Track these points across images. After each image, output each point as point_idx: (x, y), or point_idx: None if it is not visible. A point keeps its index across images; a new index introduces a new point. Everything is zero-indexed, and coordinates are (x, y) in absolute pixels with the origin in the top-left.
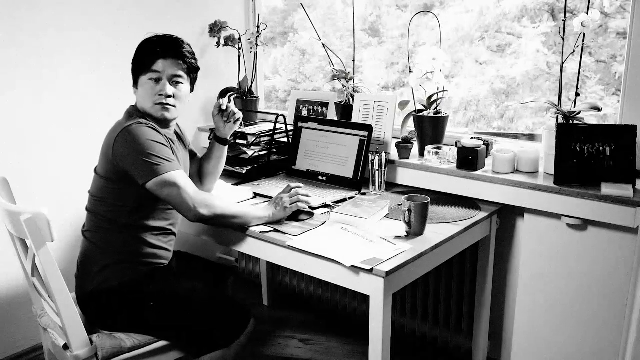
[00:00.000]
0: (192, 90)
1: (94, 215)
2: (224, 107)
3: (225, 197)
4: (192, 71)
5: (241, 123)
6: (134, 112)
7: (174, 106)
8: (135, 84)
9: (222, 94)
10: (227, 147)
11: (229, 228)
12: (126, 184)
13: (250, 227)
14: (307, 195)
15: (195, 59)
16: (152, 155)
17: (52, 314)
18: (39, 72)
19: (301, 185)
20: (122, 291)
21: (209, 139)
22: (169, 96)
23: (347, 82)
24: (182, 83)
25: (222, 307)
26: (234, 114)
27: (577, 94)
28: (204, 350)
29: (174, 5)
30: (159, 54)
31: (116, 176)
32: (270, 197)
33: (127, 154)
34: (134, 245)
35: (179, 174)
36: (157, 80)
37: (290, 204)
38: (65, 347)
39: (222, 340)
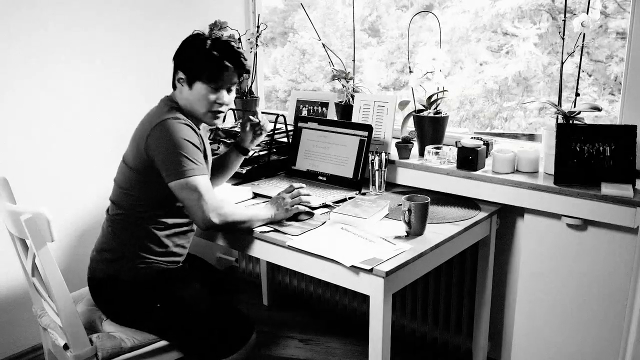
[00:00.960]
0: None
1: (117, 206)
2: (257, 121)
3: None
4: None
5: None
6: (172, 105)
7: (224, 112)
8: (189, 84)
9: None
10: (244, 156)
11: (236, 233)
12: (153, 177)
13: (254, 229)
14: (308, 195)
15: (249, 64)
16: (183, 155)
17: (52, 313)
18: (39, 71)
19: (303, 185)
20: (132, 286)
21: (227, 146)
22: (225, 104)
23: (347, 82)
24: (233, 89)
25: (227, 317)
26: (264, 129)
27: (577, 94)
28: (205, 358)
29: (174, 5)
30: (227, 68)
31: (144, 167)
32: (270, 197)
33: (160, 148)
34: (151, 241)
35: (202, 180)
36: (217, 89)
37: (291, 206)
38: (66, 347)
39: (223, 350)
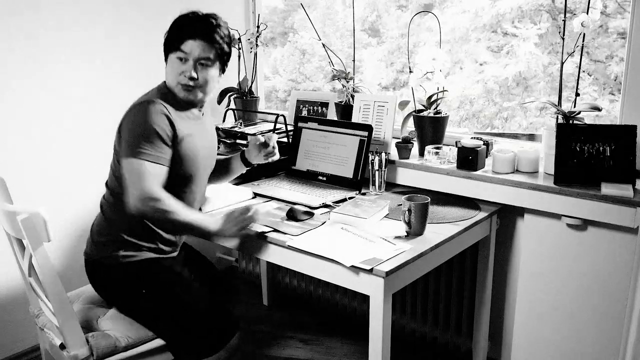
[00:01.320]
0: (223, 72)
1: (109, 190)
2: (270, 143)
3: (228, 197)
4: (223, 55)
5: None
6: (162, 90)
7: (198, 89)
8: (165, 60)
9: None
10: (247, 168)
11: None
12: None
13: (193, 234)
14: (266, 218)
15: (228, 43)
16: (144, 138)
17: (49, 313)
18: (39, 71)
19: (268, 206)
20: (122, 272)
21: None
22: (193, 79)
23: (347, 82)
24: (209, 66)
25: (211, 313)
26: (273, 154)
27: (577, 94)
28: (184, 353)
29: (174, 5)
30: (189, 34)
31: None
32: (270, 197)
33: (128, 127)
34: (139, 227)
35: (150, 168)
36: (184, 60)
37: (242, 222)
38: (62, 346)
39: (203, 347)
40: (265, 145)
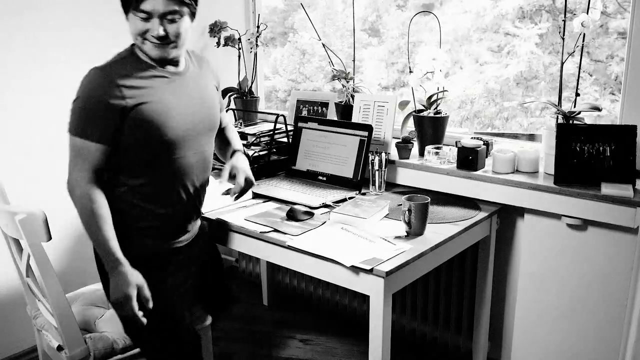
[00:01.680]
0: (194, 17)
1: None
2: (238, 180)
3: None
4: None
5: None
6: (124, 51)
7: (170, 46)
8: (126, 15)
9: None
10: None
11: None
12: None
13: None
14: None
15: None
16: (80, 112)
17: (47, 314)
18: (39, 71)
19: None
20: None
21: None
22: (162, 37)
23: (347, 82)
24: (176, 20)
25: (175, 327)
26: (235, 192)
27: (577, 94)
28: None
29: None
30: None
31: None
32: (270, 197)
33: (73, 98)
34: (126, 214)
35: (80, 143)
36: (147, 19)
37: (124, 303)
38: (60, 348)
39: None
40: (232, 177)
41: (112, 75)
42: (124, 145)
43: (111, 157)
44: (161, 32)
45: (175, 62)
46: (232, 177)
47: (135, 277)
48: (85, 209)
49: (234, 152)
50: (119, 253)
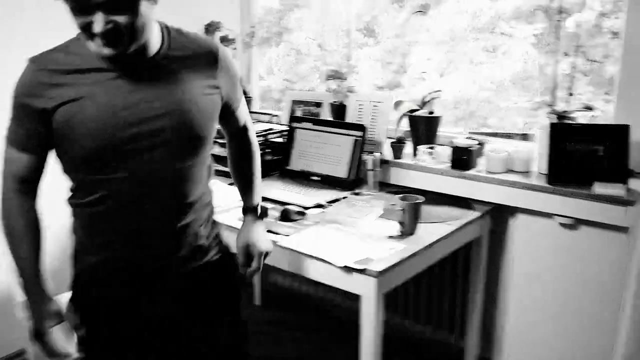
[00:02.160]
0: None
1: None
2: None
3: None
4: None
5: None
6: (74, 38)
7: (127, 38)
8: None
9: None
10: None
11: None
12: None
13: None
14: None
15: None
16: (11, 114)
17: None
18: None
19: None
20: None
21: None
22: (108, 33)
23: (342, 82)
24: (124, 15)
25: None
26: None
27: (571, 94)
28: None
29: (169, 4)
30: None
31: None
32: (263, 198)
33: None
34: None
35: (11, 155)
36: (81, 12)
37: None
38: None
39: None
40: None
41: (40, 69)
42: (58, 154)
43: (40, 168)
44: (102, 27)
45: (139, 50)
46: (247, 255)
47: (53, 305)
48: (4, 220)
49: (246, 211)
50: (32, 298)
